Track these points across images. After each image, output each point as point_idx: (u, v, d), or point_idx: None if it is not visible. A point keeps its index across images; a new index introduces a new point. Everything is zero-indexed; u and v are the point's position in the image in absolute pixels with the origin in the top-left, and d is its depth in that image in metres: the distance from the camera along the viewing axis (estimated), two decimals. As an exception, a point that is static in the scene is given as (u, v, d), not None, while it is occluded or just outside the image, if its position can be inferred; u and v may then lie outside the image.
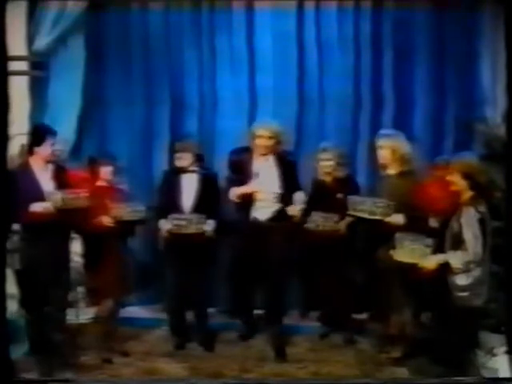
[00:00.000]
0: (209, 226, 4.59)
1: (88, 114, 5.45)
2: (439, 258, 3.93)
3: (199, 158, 4.81)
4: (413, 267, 4.00)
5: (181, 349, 4.79)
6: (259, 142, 4.65)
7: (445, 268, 3.93)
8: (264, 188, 4.63)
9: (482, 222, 3.86)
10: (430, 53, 5.47)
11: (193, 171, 4.75)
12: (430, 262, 3.94)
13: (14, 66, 5.18)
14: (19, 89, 5.25)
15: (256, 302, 4.96)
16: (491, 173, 4.32)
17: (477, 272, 3.88)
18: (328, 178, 4.91)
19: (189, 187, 4.72)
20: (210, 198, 4.70)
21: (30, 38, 5.28)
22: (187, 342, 4.85)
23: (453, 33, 5.43)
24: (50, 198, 4.17)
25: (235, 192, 4.67)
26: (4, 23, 4.37)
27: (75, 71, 5.35)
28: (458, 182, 3.93)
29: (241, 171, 4.73)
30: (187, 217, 4.58)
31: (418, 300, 4.42)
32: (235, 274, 4.89)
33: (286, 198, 4.65)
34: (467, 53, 5.37)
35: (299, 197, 4.64)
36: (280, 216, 4.65)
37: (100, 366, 4.45)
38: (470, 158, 4.08)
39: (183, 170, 4.74)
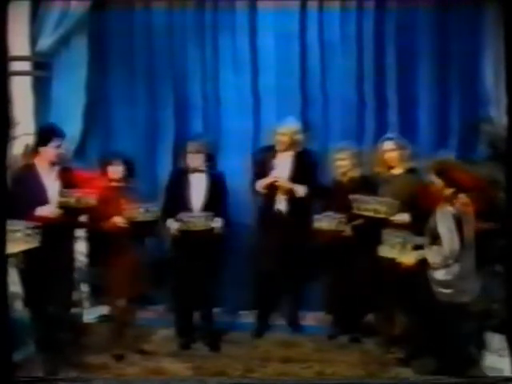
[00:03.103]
0: (217, 223, 4.64)
1: (92, 114, 5.46)
2: (418, 254, 4.03)
3: (209, 158, 4.87)
4: (393, 262, 4.10)
5: (186, 349, 4.80)
6: (278, 138, 4.99)
7: (423, 264, 4.03)
8: (281, 179, 4.95)
9: (456, 217, 3.94)
10: (434, 53, 5.45)
11: (201, 171, 4.79)
12: (409, 257, 4.03)
13: (17, 66, 5.22)
14: (22, 89, 5.26)
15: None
16: (496, 173, 4.37)
17: (456, 268, 3.96)
18: (344, 179, 4.89)
19: (198, 187, 4.78)
20: (218, 197, 4.76)
21: (33, 38, 5.29)
22: (192, 343, 4.86)
23: (456, 33, 5.42)
24: (59, 198, 4.15)
25: (260, 184, 4.97)
26: (6, 23, 4.36)
27: (78, 71, 5.35)
28: (434, 180, 4.05)
29: (264, 168, 5.03)
30: (196, 215, 4.65)
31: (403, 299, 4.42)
32: (257, 265, 5.10)
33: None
34: (470, 53, 5.37)
35: (300, 187, 4.94)
36: (298, 209, 4.96)
37: (105, 366, 4.45)
38: (443, 157, 4.24)
39: (192, 170, 4.79)
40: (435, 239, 3.98)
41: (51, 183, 4.24)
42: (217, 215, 4.64)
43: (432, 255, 3.96)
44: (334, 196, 4.85)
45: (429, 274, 4.00)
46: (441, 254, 3.94)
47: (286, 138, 4.97)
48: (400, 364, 4.44)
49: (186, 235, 4.62)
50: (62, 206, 4.15)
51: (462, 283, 3.97)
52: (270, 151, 5.06)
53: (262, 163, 5.06)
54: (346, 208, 4.60)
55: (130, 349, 4.66)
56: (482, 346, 4.37)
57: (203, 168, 4.80)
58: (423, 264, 4.02)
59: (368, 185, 4.80)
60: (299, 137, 5.03)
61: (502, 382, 4.14)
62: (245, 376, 4.35)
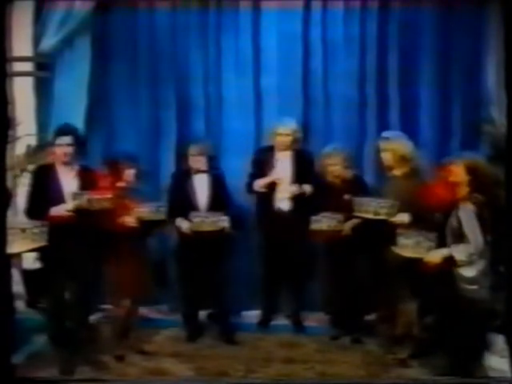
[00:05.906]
0: (226, 222, 4.73)
1: (94, 115, 5.44)
2: (444, 252, 4.02)
3: (211, 160, 4.96)
4: (418, 262, 4.06)
5: (192, 341, 4.90)
6: (279, 138, 5.06)
7: (448, 262, 4.00)
8: (282, 178, 5.03)
9: (479, 215, 3.95)
10: (436, 53, 5.45)
11: (203, 171, 4.89)
12: (435, 255, 4.02)
13: (19, 66, 5.23)
14: (25, 90, 5.27)
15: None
16: (498, 173, 4.35)
17: (480, 265, 3.98)
18: (336, 180, 4.91)
19: (201, 187, 4.88)
20: (221, 197, 4.87)
21: (36, 39, 5.28)
22: (199, 337, 4.96)
23: (459, 33, 5.42)
24: (74, 199, 4.15)
25: (259, 183, 5.04)
26: (7, 24, 4.37)
27: (81, 72, 5.33)
28: (460, 174, 4.03)
29: (264, 167, 5.11)
30: (206, 214, 4.74)
31: (425, 298, 4.41)
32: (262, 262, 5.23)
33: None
34: (473, 53, 5.37)
35: (306, 187, 5.03)
36: (298, 206, 5.03)
37: (107, 366, 4.45)
38: (478, 157, 4.19)
39: (194, 171, 4.87)
40: (459, 237, 4.00)
41: (68, 182, 4.24)
42: (224, 214, 4.73)
43: (459, 253, 3.97)
44: (329, 197, 4.86)
45: (455, 272, 4.01)
46: (467, 251, 3.96)
47: (287, 138, 5.05)
48: (402, 365, 4.44)
49: (195, 235, 4.69)
50: (80, 207, 4.13)
51: (484, 279, 4.00)
52: (270, 151, 5.14)
53: (261, 163, 5.12)
54: (341, 208, 4.65)
55: (131, 349, 4.66)
56: (486, 346, 4.36)
57: (205, 169, 4.88)
58: (447, 262, 4.01)
59: (361, 184, 4.88)
60: (299, 135, 5.12)
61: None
62: (246, 376, 4.34)
